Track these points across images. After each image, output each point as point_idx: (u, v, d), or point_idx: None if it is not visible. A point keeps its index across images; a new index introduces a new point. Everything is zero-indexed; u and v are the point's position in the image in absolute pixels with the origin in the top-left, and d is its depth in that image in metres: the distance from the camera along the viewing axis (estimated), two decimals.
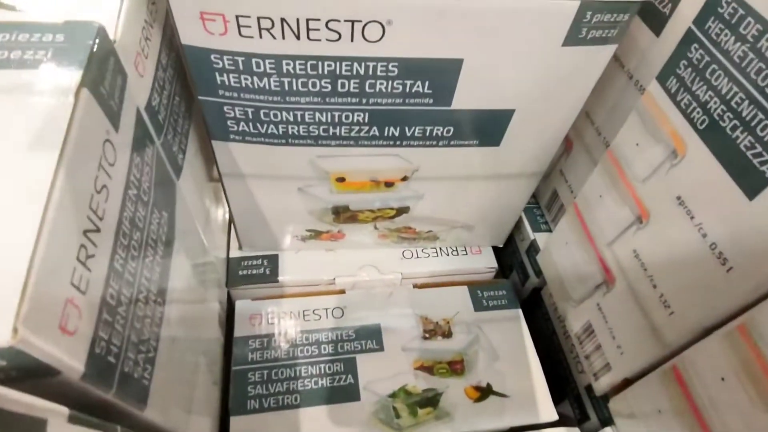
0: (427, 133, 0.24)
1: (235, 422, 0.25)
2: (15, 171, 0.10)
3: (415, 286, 0.31)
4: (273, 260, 0.31)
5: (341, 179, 0.26)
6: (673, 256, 0.19)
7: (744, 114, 0.16)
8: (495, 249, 0.34)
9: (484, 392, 0.27)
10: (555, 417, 0.27)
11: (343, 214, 0.29)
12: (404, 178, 0.26)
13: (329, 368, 0.27)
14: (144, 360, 0.14)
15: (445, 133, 0.24)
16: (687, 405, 0.19)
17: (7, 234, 0.10)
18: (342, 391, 0.26)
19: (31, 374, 0.09)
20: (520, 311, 0.31)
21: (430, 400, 0.26)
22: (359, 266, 0.31)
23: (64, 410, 0.09)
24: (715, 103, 0.17)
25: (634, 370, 0.22)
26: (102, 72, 0.13)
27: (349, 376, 0.27)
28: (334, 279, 0.31)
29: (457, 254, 0.33)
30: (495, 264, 0.33)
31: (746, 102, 0.16)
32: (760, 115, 0.16)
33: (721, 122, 0.17)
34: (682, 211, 0.19)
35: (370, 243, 0.32)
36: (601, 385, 0.25)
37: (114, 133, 0.13)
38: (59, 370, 0.10)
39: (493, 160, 0.26)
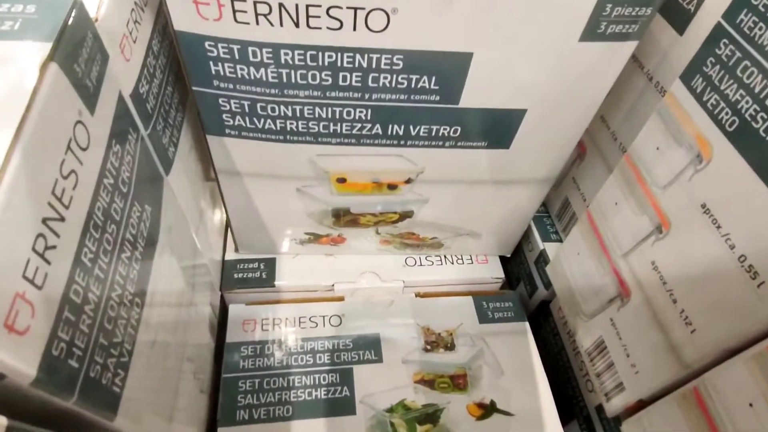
0: (433, 133, 0.22)
1: None
2: None
3: (418, 295, 0.30)
4: (270, 264, 0.30)
5: (342, 180, 0.25)
6: (697, 269, 0.18)
7: None
8: (502, 259, 0.32)
9: (487, 410, 0.25)
10: None
11: (343, 217, 0.27)
12: (408, 181, 0.25)
13: (324, 379, 0.25)
14: (115, 365, 0.13)
15: (452, 134, 0.22)
16: (708, 431, 0.18)
17: None
18: (337, 404, 0.25)
19: None
20: (527, 324, 0.29)
21: (430, 417, 0.25)
22: (359, 273, 0.30)
23: (2, 421, 0.08)
24: (747, 102, 0.16)
25: (650, 392, 0.21)
26: (77, 49, 0.12)
27: (345, 388, 0.25)
28: (333, 285, 0.29)
29: (463, 263, 0.31)
30: (502, 274, 0.31)
31: None
32: None
33: (753, 123, 0.16)
34: (707, 220, 0.17)
35: (371, 248, 0.30)
36: (614, 406, 0.23)
37: (88, 116, 0.12)
38: (3, 374, 0.09)
39: (503, 164, 0.24)
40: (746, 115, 0.16)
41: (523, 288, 0.33)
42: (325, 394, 0.25)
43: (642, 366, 0.21)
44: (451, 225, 0.29)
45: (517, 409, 0.26)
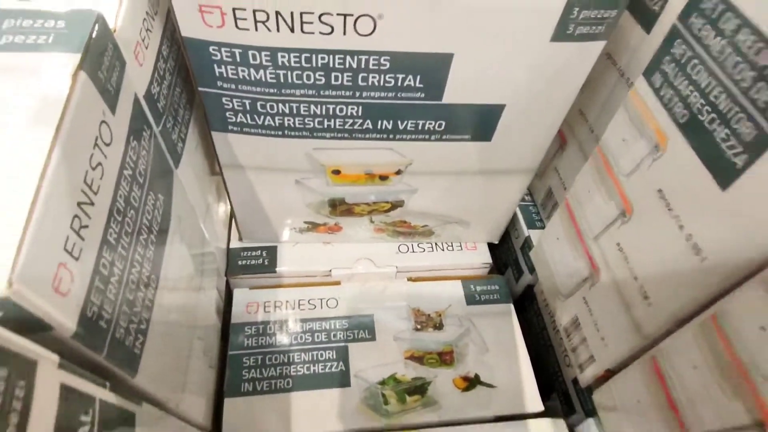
0: (420, 127, 0.24)
1: (229, 403, 0.25)
2: (15, 144, 0.11)
3: (410, 279, 0.32)
4: (272, 251, 0.32)
5: (337, 172, 0.27)
6: (653, 248, 0.20)
7: (721, 107, 0.17)
8: (492, 246, 0.34)
9: (471, 382, 0.27)
10: (541, 408, 0.27)
11: (339, 206, 0.29)
12: (398, 172, 0.27)
13: (321, 356, 0.27)
14: (136, 331, 0.15)
15: (437, 128, 0.24)
16: (664, 395, 0.20)
17: (4, 200, 0.11)
18: (333, 378, 0.27)
19: (25, 327, 0.10)
20: (511, 306, 0.31)
21: (419, 389, 0.27)
22: (355, 259, 0.32)
23: (55, 357, 0.10)
24: (695, 97, 0.18)
25: (617, 361, 0.23)
26: (100, 57, 0.14)
27: (341, 363, 0.27)
28: (331, 271, 0.31)
29: (453, 250, 0.33)
30: (489, 260, 0.33)
31: (723, 95, 0.17)
32: (735, 108, 0.16)
33: (699, 116, 0.18)
34: (662, 204, 0.19)
35: (366, 236, 0.32)
36: (586, 376, 0.25)
37: (110, 115, 0.14)
38: (51, 325, 0.11)
39: (486, 155, 0.26)
40: (694, 109, 0.18)
41: (510, 273, 0.35)
42: (322, 369, 0.27)
43: (609, 338, 0.23)
44: (440, 213, 0.31)
45: (499, 382, 0.28)
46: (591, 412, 0.26)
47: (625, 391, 0.22)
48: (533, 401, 0.27)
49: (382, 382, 0.27)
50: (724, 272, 0.17)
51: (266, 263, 0.31)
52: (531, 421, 0.26)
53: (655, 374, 0.20)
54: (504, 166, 0.27)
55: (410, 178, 0.28)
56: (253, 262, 0.32)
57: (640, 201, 0.21)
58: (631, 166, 0.21)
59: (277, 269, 0.31)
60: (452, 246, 0.33)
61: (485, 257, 0.33)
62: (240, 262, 0.31)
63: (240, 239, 0.32)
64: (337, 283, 0.31)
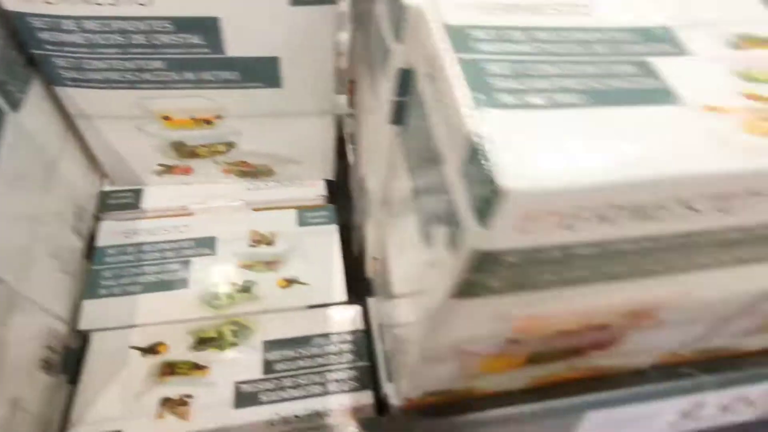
0: (218, 78, 0.31)
1: (87, 304, 0.32)
2: None
3: (255, 210, 0.39)
4: (137, 192, 0.38)
5: (167, 118, 0.33)
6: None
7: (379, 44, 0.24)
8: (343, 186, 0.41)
9: (290, 282, 0.35)
10: (344, 298, 0.34)
11: (182, 149, 0.36)
12: (219, 117, 0.34)
13: (168, 267, 0.34)
14: None
15: (232, 77, 0.31)
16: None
17: None
18: (176, 283, 0.34)
19: None
20: (335, 227, 0.38)
21: (246, 288, 0.34)
22: (208, 196, 0.39)
23: None
24: (372, 41, 0.25)
25: (375, 249, 0.30)
26: None
27: (184, 271, 0.34)
28: (187, 206, 0.38)
29: (293, 186, 0.40)
30: (324, 193, 0.40)
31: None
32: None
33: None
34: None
35: (217, 177, 0.39)
36: (369, 268, 0.32)
37: None
38: None
39: (281, 100, 0.33)
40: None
41: (352, 206, 0.43)
42: (167, 277, 0.34)
43: (370, 233, 0.30)
44: (270, 153, 0.38)
45: (314, 282, 0.35)
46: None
47: (378, 267, 0.29)
48: (339, 294, 0.35)
49: (216, 285, 0.34)
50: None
51: (133, 202, 0.38)
52: (334, 307, 0.34)
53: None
54: (301, 109, 0.34)
55: (231, 122, 0.34)
56: (121, 201, 0.38)
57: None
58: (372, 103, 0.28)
59: (140, 206, 0.38)
60: (293, 183, 0.40)
61: (321, 191, 0.40)
62: (109, 202, 0.38)
63: (110, 183, 0.39)
64: (191, 214, 0.38)
